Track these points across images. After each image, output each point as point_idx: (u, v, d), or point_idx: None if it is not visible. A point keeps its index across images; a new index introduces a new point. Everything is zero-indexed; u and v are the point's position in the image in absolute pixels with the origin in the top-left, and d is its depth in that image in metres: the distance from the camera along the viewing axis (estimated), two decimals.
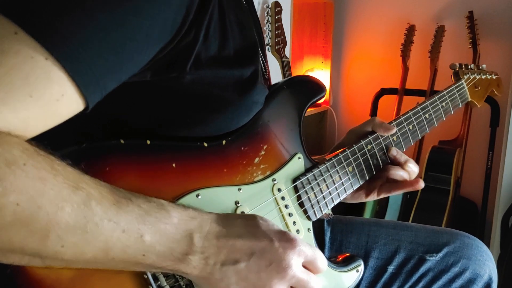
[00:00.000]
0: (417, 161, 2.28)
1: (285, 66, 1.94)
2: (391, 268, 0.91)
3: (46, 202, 0.40)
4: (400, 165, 0.83)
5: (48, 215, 0.40)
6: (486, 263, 0.91)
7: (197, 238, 0.50)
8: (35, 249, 0.41)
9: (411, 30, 2.31)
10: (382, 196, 0.86)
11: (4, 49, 0.40)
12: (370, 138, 0.81)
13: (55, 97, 0.43)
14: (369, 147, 0.81)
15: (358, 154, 0.79)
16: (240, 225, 0.54)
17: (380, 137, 0.83)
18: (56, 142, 0.45)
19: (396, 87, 2.31)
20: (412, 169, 0.84)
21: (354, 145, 0.79)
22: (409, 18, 2.41)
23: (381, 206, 2.28)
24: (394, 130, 0.82)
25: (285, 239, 0.54)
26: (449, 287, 0.89)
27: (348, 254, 0.80)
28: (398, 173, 0.81)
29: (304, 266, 0.56)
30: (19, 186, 0.39)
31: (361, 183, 0.80)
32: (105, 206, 0.44)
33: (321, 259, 0.57)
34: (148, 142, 0.56)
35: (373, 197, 0.86)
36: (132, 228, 0.46)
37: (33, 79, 0.41)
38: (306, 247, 0.55)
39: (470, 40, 2.19)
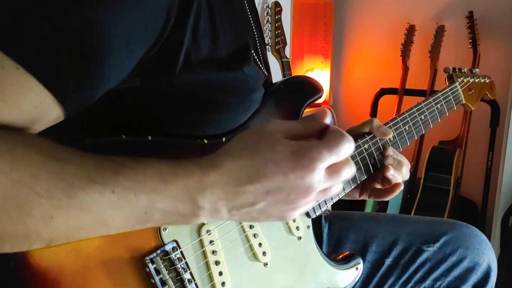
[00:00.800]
0: (417, 161, 2.28)
1: (285, 66, 1.94)
2: (388, 261, 0.91)
3: (19, 175, 0.39)
4: (395, 165, 0.83)
5: (26, 187, 0.39)
6: (485, 252, 0.90)
7: (200, 197, 0.46)
8: (22, 226, 0.40)
9: (411, 30, 2.31)
10: (371, 198, 0.86)
11: None
12: (367, 137, 0.81)
13: (32, 105, 0.43)
14: (366, 146, 0.81)
15: (355, 153, 0.80)
16: (247, 166, 0.47)
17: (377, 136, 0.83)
18: (55, 139, 0.45)
19: (396, 87, 2.31)
20: (404, 173, 0.83)
21: (358, 140, 0.79)
22: (409, 18, 2.41)
23: (381, 206, 2.28)
24: (391, 134, 0.82)
25: (300, 166, 0.47)
26: (447, 276, 0.89)
27: (347, 253, 0.80)
28: (393, 175, 0.81)
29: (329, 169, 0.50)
30: None
31: (359, 182, 0.80)
32: (86, 169, 0.42)
33: (348, 147, 0.50)
34: (149, 138, 0.56)
35: (365, 197, 0.86)
36: (122, 188, 0.43)
37: (5, 87, 0.41)
38: (326, 156, 0.48)
39: (470, 40, 2.19)
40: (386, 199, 0.84)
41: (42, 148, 0.41)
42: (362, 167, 0.80)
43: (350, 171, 0.51)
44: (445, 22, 2.31)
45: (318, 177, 0.48)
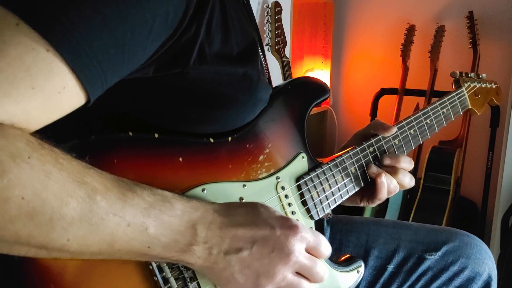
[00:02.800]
0: (417, 161, 2.28)
1: (285, 66, 1.94)
2: (390, 267, 0.91)
3: (50, 196, 0.40)
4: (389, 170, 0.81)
5: (53, 209, 0.41)
6: (486, 262, 0.91)
7: (200, 229, 0.51)
8: (41, 242, 0.42)
9: (411, 30, 2.31)
10: (370, 204, 0.84)
11: (5, 41, 0.40)
12: (372, 140, 0.82)
13: (56, 90, 0.43)
14: (371, 149, 0.81)
15: (360, 155, 0.80)
16: (242, 213, 0.54)
17: (382, 139, 0.83)
18: (61, 134, 0.46)
19: (396, 87, 2.31)
20: (405, 182, 0.81)
21: (356, 147, 0.80)
22: (409, 18, 2.41)
23: (381, 206, 2.28)
24: (394, 130, 0.83)
25: (287, 225, 0.54)
26: (449, 286, 0.89)
27: (348, 255, 0.80)
28: (383, 181, 0.78)
29: (308, 252, 0.56)
30: (24, 179, 0.39)
31: (363, 185, 0.80)
32: (110, 200, 0.44)
33: (324, 244, 0.58)
34: (156, 135, 0.57)
35: (365, 203, 0.84)
36: (137, 222, 0.46)
37: (34, 71, 0.41)
38: (308, 233, 0.56)
39: (470, 40, 2.19)
40: (377, 201, 0.81)
41: (73, 170, 0.43)
42: (366, 170, 0.80)
43: (323, 268, 0.57)
44: (445, 22, 2.31)
45: (299, 246, 0.54)
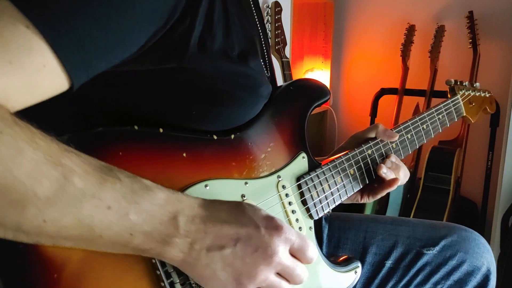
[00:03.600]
0: (417, 161, 2.29)
1: (285, 66, 1.94)
2: (388, 263, 0.91)
3: (23, 174, 0.39)
4: (393, 168, 0.85)
5: (25, 187, 0.39)
6: (484, 255, 0.91)
7: (182, 221, 0.49)
8: (15, 222, 0.41)
9: (411, 30, 2.31)
10: (370, 198, 0.87)
11: None
12: (371, 143, 0.84)
13: (36, 67, 0.42)
14: (369, 151, 0.83)
15: (359, 158, 0.82)
16: (227, 210, 0.53)
17: (380, 142, 0.86)
18: (59, 127, 0.45)
19: (396, 87, 2.31)
20: (401, 176, 0.85)
21: (356, 149, 0.81)
22: (409, 18, 2.41)
23: (381, 206, 2.28)
24: (397, 137, 0.85)
25: (272, 225, 0.53)
26: (447, 280, 0.89)
27: (346, 256, 0.81)
28: (385, 173, 0.82)
29: (291, 254, 0.55)
30: None
31: (361, 186, 0.82)
32: (88, 182, 0.43)
33: (309, 249, 0.56)
34: (161, 130, 0.57)
35: (366, 200, 0.88)
36: (118, 206, 0.45)
37: (13, 47, 0.41)
38: (293, 235, 0.55)
39: (470, 40, 2.19)
40: (381, 195, 0.85)
41: (49, 151, 0.42)
42: (364, 172, 0.82)
43: (304, 271, 0.56)
44: (445, 22, 2.31)
45: (283, 247, 0.53)
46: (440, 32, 2.26)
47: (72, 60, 0.44)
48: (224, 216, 0.52)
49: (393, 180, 0.82)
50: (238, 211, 0.54)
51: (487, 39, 2.23)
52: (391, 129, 0.88)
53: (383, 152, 0.85)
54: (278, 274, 0.55)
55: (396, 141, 0.87)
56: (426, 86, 2.26)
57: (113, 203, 0.44)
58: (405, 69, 2.30)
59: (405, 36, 2.30)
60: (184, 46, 0.55)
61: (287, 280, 0.56)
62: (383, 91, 2.37)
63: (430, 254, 0.90)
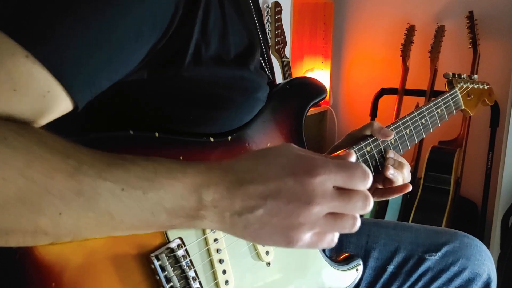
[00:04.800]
0: (417, 161, 2.28)
1: (285, 66, 1.94)
2: (390, 268, 0.91)
3: (34, 173, 0.39)
4: (396, 166, 0.83)
5: (38, 185, 0.39)
6: (485, 263, 0.91)
7: (205, 193, 0.46)
8: (32, 223, 0.40)
9: (411, 30, 2.31)
10: (374, 198, 0.85)
11: None
12: (369, 140, 0.83)
13: (40, 93, 0.43)
14: (368, 148, 0.82)
15: (358, 155, 0.81)
16: (249, 167, 0.48)
17: (378, 139, 0.84)
18: (60, 132, 0.45)
19: (396, 87, 2.31)
20: (405, 175, 0.83)
21: (354, 146, 0.80)
22: (409, 18, 2.41)
23: (381, 206, 2.28)
24: (393, 135, 0.84)
25: (302, 171, 0.47)
26: (448, 286, 0.89)
27: (348, 254, 0.80)
28: (393, 174, 0.81)
29: (341, 188, 0.48)
30: (2, 160, 0.38)
31: None
32: (98, 167, 0.42)
33: (360, 175, 0.48)
34: (157, 134, 0.57)
35: (377, 198, 0.86)
36: (132, 185, 0.43)
37: (16, 75, 0.41)
38: (333, 170, 0.47)
39: (470, 40, 2.19)
40: (390, 198, 0.84)
41: (56, 146, 0.42)
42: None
43: (366, 202, 0.48)
44: (445, 22, 2.31)
45: (321, 188, 0.46)
46: (440, 32, 2.26)
47: (74, 84, 0.44)
48: (248, 176, 0.47)
49: (405, 186, 0.81)
50: (262, 164, 0.48)
51: (487, 39, 2.23)
52: (390, 124, 0.87)
53: (382, 148, 0.84)
54: (332, 214, 0.48)
55: (392, 138, 0.86)
56: (426, 86, 2.25)
57: (125, 184, 0.43)
58: (405, 69, 2.30)
59: (405, 36, 2.30)
60: (183, 55, 0.55)
61: (347, 215, 0.49)
62: (383, 91, 2.37)
63: (432, 260, 0.90)
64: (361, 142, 0.82)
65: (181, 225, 0.47)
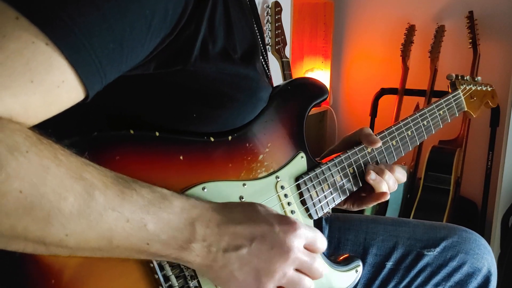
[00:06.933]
0: (417, 161, 2.29)
1: (285, 66, 1.94)
2: (389, 264, 0.91)
3: (48, 191, 0.40)
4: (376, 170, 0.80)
5: (51, 204, 0.41)
6: (485, 257, 0.91)
7: (199, 226, 0.51)
8: (38, 236, 0.42)
9: (411, 30, 2.31)
10: (355, 208, 0.84)
11: (5, 34, 0.40)
12: (356, 149, 0.81)
13: (56, 84, 0.43)
14: (369, 149, 0.82)
15: (359, 156, 0.81)
16: (240, 211, 0.54)
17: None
18: (63, 131, 0.46)
19: (396, 87, 2.31)
20: (390, 184, 0.80)
21: (355, 147, 0.80)
22: (409, 18, 2.41)
23: (381, 206, 2.28)
24: (379, 144, 0.81)
25: (285, 222, 0.54)
26: (448, 281, 0.89)
27: (347, 255, 0.80)
28: (374, 179, 0.78)
29: (306, 248, 0.57)
30: (22, 173, 0.39)
31: (361, 185, 0.81)
32: (109, 196, 0.45)
33: (320, 239, 0.58)
34: (157, 133, 0.57)
35: (350, 207, 0.85)
36: (136, 218, 0.46)
37: (34, 65, 0.41)
38: (306, 230, 0.56)
39: (470, 40, 2.19)
40: (367, 206, 0.83)
41: (70, 166, 0.43)
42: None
43: (322, 264, 0.58)
44: (445, 22, 2.31)
45: (298, 242, 0.54)
46: (440, 32, 2.26)
47: (89, 74, 0.45)
48: (237, 217, 0.54)
49: (382, 194, 0.78)
50: (251, 211, 0.55)
51: (487, 39, 2.23)
52: (391, 126, 0.86)
53: (383, 149, 0.84)
54: (297, 270, 0.56)
55: (394, 138, 0.85)
56: (426, 86, 2.26)
57: (131, 215, 0.46)
58: (405, 69, 2.30)
59: (405, 36, 2.30)
60: (190, 50, 0.55)
61: (306, 275, 0.57)
62: (383, 91, 2.37)
63: (430, 255, 0.90)
64: (362, 144, 0.81)
65: (170, 256, 0.51)
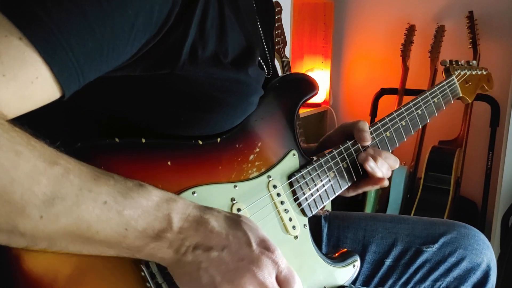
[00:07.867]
0: (417, 161, 2.28)
1: (285, 66, 1.94)
2: (388, 261, 0.91)
3: (21, 175, 0.40)
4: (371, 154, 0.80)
5: (23, 187, 0.40)
6: (484, 252, 0.91)
7: (176, 218, 0.50)
8: (11, 223, 0.41)
9: (411, 30, 2.31)
10: (351, 193, 0.84)
11: None
12: (351, 141, 0.81)
13: (29, 79, 0.42)
14: (355, 147, 0.81)
15: (352, 150, 0.80)
16: (223, 219, 0.53)
17: (373, 132, 0.83)
18: (50, 138, 0.45)
19: (396, 87, 2.31)
20: (384, 171, 0.80)
21: (347, 141, 0.79)
22: (409, 18, 2.41)
23: (381, 206, 2.28)
24: (368, 143, 0.80)
25: (264, 245, 0.53)
26: (447, 277, 0.89)
27: (344, 250, 0.80)
28: (372, 167, 0.78)
29: (276, 280, 0.53)
30: None
31: (355, 179, 0.80)
32: (84, 178, 0.44)
33: (296, 283, 0.54)
34: (143, 140, 0.56)
35: (347, 193, 0.84)
36: (114, 201, 0.45)
37: (6, 59, 0.41)
38: (283, 263, 0.53)
39: (470, 40, 2.19)
40: (362, 191, 0.82)
41: (44, 151, 0.42)
42: (358, 165, 0.79)
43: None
44: (445, 22, 2.31)
45: (271, 268, 0.52)
46: (440, 32, 2.26)
47: (64, 72, 0.44)
48: (218, 222, 0.52)
49: (380, 180, 0.79)
50: (234, 224, 0.53)
51: (487, 39, 2.23)
52: (384, 117, 0.85)
53: (377, 142, 0.83)
54: None
55: (388, 129, 0.84)
56: (426, 86, 2.25)
57: (108, 197, 0.45)
58: (405, 69, 2.30)
59: (405, 36, 2.30)
60: (177, 54, 0.55)
61: None
62: (383, 91, 2.37)
63: (429, 251, 0.90)
64: (347, 141, 0.80)
65: (146, 247, 0.49)
